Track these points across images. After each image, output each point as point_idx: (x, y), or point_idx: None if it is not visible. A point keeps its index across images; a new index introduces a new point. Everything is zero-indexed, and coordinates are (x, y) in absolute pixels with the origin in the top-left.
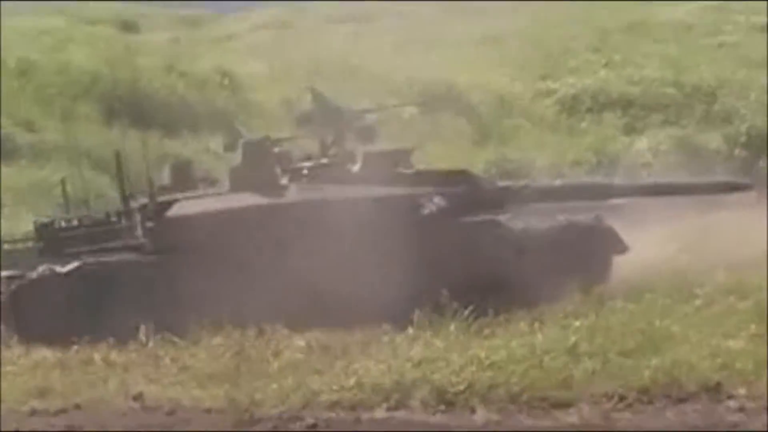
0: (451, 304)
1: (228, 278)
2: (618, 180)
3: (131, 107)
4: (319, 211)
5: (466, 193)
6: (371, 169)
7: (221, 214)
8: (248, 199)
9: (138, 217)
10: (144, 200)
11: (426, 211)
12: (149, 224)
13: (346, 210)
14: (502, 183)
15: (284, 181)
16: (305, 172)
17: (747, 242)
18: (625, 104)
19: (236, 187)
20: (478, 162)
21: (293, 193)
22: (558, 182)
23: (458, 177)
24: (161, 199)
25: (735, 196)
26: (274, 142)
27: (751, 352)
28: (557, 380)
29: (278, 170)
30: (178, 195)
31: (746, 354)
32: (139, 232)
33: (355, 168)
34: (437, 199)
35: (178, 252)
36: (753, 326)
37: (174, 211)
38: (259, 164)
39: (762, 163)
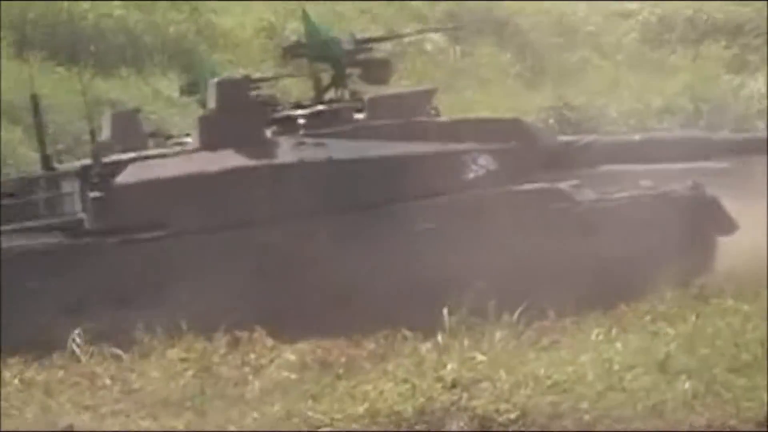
0: (496, 302)
1: (194, 268)
2: (723, 134)
3: (49, 36)
4: (324, 175)
5: (519, 151)
6: (387, 118)
7: (191, 180)
8: (227, 160)
9: (72, 185)
10: (77, 162)
11: (470, 176)
12: (94, 194)
13: (359, 173)
14: (564, 137)
15: (269, 134)
16: (301, 122)
17: None
18: (732, 30)
19: (208, 143)
20: (531, 109)
21: (286, 152)
22: (639, 136)
23: (507, 128)
24: (106, 160)
25: None
26: (253, 84)
27: None
28: (645, 407)
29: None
30: (128, 155)
31: None
32: (73, 205)
33: (361, 116)
34: (483, 159)
35: (127, 233)
36: None
37: (126, 176)
38: (240, 112)
39: None
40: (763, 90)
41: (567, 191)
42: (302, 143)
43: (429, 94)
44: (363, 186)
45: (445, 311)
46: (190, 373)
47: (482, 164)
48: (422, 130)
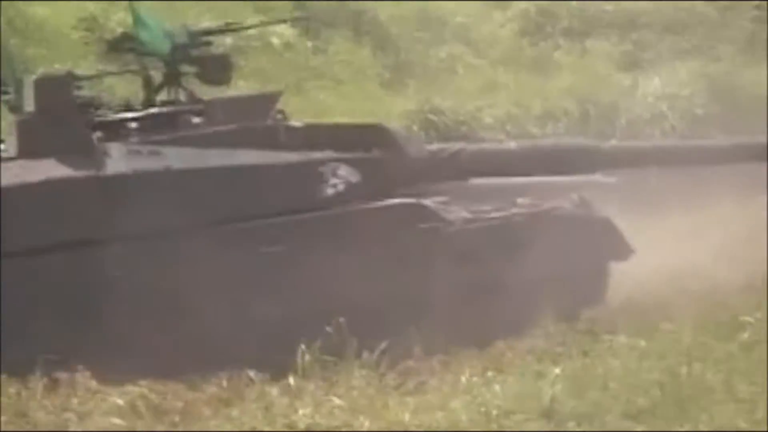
0: (355, 339)
1: (8, 296)
2: (613, 143)
3: None
4: (161, 187)
5: (382, 161)
6: (229, 123)
7: (9, 194)
8: (50, 170)
9: None
10: None
11: (329, 190)
12: None
13: (200, 185)
14: (431, 146)
15: (95, 140)
16: (133, 126)
17: None
18: (623, 24)
19: (28, 149)
20: (392, 113)
21: (118, 161)
22: (517, 145)
23: (369, 135)
24: None
25: None
26: (77, 81)
27: None
28: None
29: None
30: None
31: None
32: None
33: (198, 121)
34: (343, 171)
35: None
36: None
37: None
38: (63, 114)
39: None
40: (659, 91)
41: (435, 209)
42: (136, 151)
43: (275, 96)
44: (204, 201)
45: (296, 349)
46: (3, 419)
47: (342, 176)
48: (272, 137)
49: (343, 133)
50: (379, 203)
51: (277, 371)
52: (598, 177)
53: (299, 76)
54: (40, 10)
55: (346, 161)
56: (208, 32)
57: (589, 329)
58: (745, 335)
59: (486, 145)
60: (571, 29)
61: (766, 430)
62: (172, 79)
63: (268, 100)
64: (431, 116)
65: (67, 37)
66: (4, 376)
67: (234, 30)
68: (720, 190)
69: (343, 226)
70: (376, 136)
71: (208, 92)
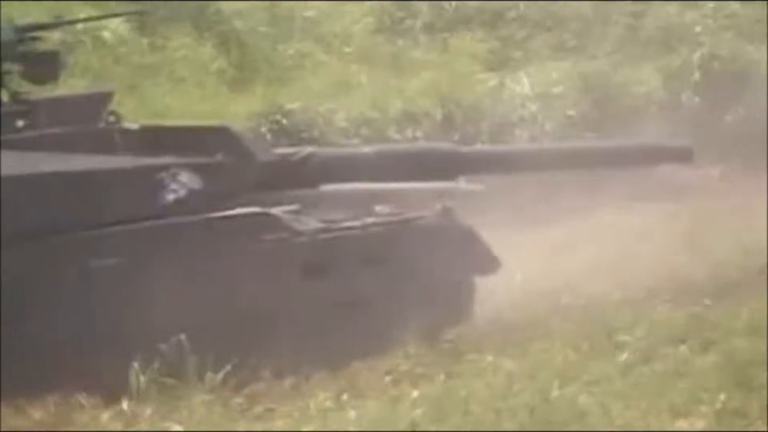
0: (197, 359)
1: None
2: (477, 147)
3: None
4: None
5: (228, 166)
6: (58, 125)
7: None
8: None
9: None
10: None
11: (169, 197)
12: None
13: (26, 194)
14: (279, 150)
15: None
16: None
17: (700, 250)
18: (489, 19)
19: None
20: (237, 114)
21: None
22: (373, 149)
23: (213, 139)
24: None
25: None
26: None
27: None
28: None
29: None
30: None
31: None
32: None
33: (23, 123)
34: (185, 177)
35: None
36: (722, 395)
37: None
38: None
39: (729, 117)
40: (528, 91)
41: (284, 219)
42: None
43: (107, 96)
44: (29, 210)
45: (131, 370)
46: None
47: (183, 182)
48: (104, 140)
49: (184, 135)
50: (224, 212)
51: (110, 395)
52: (462, 184)
53: (134, 74)
54: None
55: (187, 166)
56: (37, 27)
57: (452, 348)
58: (623, 356)
59: (339, 150)
60: (432, 25)
61: None
62: None
63: (100, 100)
64: (279, 118)
65: None
66: None
67: (65, 24)
68: (597, 197)
69: (183, 237)
70: (219, 139)
71: (34, 92)
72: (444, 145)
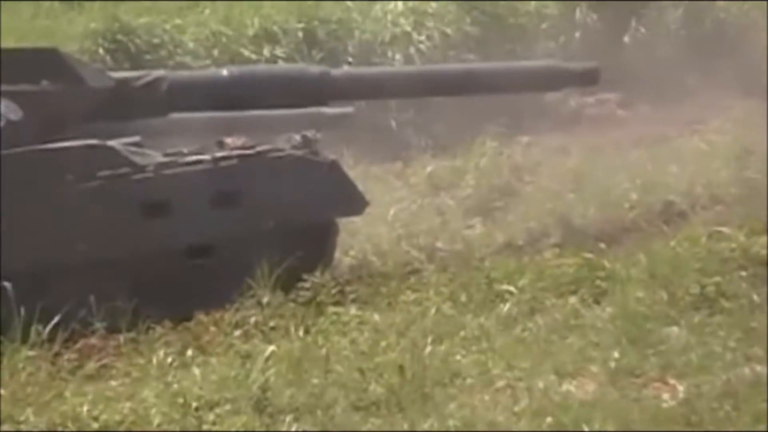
0: (23, 311)
1: None
2: (346, 68)
3: None
4: None
5: (54, 94)
6: None
7: None
8: None
9: None
10: None
11: None
12: None
13: None
14: (120, 74)
15: None
16: None
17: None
18: None
19: None
20: (72, 34)
21: None
22: (228, 72)
23: (37, 63)
24: None
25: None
26: None
27: (608, 404)
28: None
29: None
30: None
31: (597, 406)
32: None
33: None
34: (3, 106)
35: None
36: (615, 353)
37: None
38: None
39: (628, 37)
40: (401, 7)
41: (122, 152)
42: None
43: None
44: None
45: None
46: None
47: (2, 113)
48: None
49: (5, 59)
50: (51, 145)
51: None
52: (327, 110)
53: None
54: None
55: (7, 95)
56: None
57: (311, 299)
58: (505, 308)
59: (191, 73)
60: None
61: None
62: None
63: None
64: (120, 37)
65: None
66: None
67: None
68: (477, 127)
69: (5, 173)
70: (46, 64)
71: None
72: (312, 68)
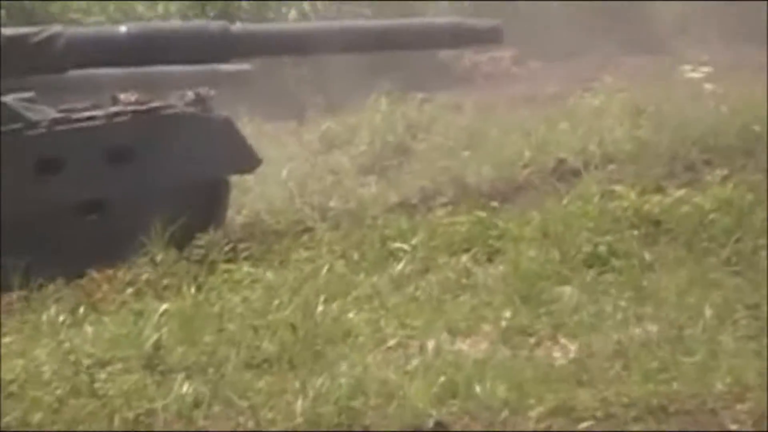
0: None
1: None
2: (240, 25)
3: None
4: None
5: None
6: None
7: None
8: None
9: None
10: None
11: None
12: None
13: None
14: (14, 30)
15: None
16: None
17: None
18: None
19: None
20: None
21: None
22: (128, 28)
23: None
24: None
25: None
26: None
27: (500, 362)
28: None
29: None
30: None
31: (489, 364)
32: None
33: None
34: None
35: None
36: (507, 312)
37: None
38: None
39: None
40: None
41: (14, 107)
42: None
43: None
44: None
45: None
46: None
47: None
48: None
49: None
50: None
51: None
52: (224, 67)
53: None
54: None
55: None
56: None
57: (203, 257)
58: (398, 267)
59: (91, 29)
60: None
61: None
62: None
63: None
64: None
65: None
66: None
67: None
68: (371, 85)
69: None
70: None
71: None
72: (212, 24)
